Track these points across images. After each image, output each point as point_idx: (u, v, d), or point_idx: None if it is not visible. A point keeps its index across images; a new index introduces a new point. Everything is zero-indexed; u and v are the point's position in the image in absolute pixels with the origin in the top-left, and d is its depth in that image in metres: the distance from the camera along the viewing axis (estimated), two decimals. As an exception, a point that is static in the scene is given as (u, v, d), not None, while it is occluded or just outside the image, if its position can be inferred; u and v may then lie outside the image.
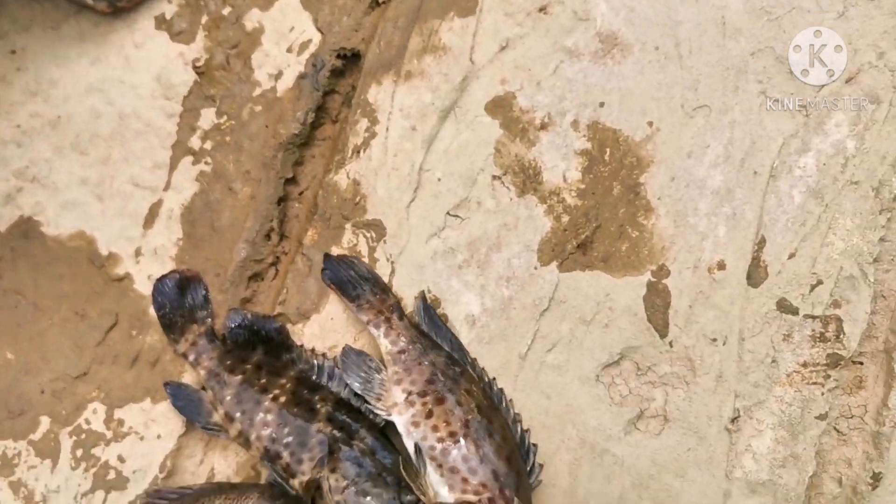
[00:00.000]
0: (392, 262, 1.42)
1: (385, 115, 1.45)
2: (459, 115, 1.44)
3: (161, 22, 1.48)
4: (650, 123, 1.40)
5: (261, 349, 1.38)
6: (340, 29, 1.48)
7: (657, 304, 1.37)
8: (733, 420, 1.34)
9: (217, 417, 1.34)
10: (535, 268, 1.39)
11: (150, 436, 1.39)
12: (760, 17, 1.39)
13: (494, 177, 1.42)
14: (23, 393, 1.40)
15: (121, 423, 1.39)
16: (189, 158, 1.46)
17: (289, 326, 1.42)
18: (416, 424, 1.27)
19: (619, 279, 1.38)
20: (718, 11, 1.40)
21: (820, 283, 1.34)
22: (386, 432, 1.33)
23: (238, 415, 1.32)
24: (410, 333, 1.35)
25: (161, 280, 1.42)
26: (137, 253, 1.44)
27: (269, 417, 1.30)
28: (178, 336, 1.40)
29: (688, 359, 1.35)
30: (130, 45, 1.47)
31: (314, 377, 1.36)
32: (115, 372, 1.41)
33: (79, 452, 1.38)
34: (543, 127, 1.42)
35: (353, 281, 1.38)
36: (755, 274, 1.36)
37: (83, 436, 1.39)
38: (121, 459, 1.38)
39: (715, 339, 1.35)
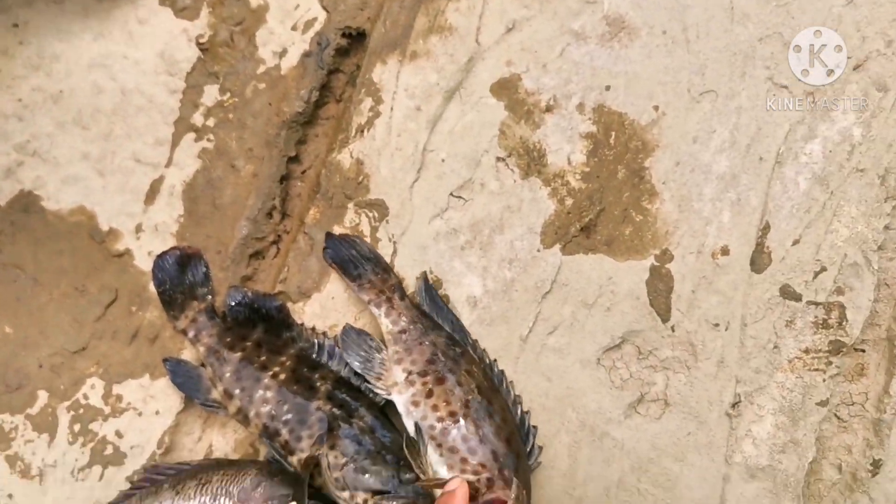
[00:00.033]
0: (394, 242, 1.41)
1: (389, 95, 1.44)
2: (464, 96, 1.43)
3: (165, -3, 1.48)
4: (656, 107, 1.40)
5: (261, 327, 1.37)
6: (346, 7, 1.47)
7: (660, 289, 1.36)
8: (734, 405, 1.34)
9: (216, 394, 1.34)
10: (538, 250, 1.39)
11: (148, 412, 1.39)
12: (769, 2, 1.39)
13: (498, 158, 1.41)
14: (21, 367, 1.39)
15: (119, 398, 1.39)
16: (191, 135, 1.45)
17: (289, 305, 1.41)
18: (416, 404, 1.27)
19: (622, 263, 1.37)
20: (726, -4, 1.40)
21: (824, 269, 1.34)
22: (385, 411, 1.33)
23: (237, 392, 1.31)
24: (411, 314, 1.35)
25: (161, 256, 1.41)
26: (138, 229, 1.43)
27: (269, 395, 1.30)
28: (177, 313, 1.39)
29: (689, 343, 1.35)
30: (134, 20, 1.46)
31: (314, 355, 1.36)
32: (114, 347, 1.40)
33: (76, 427, 1.38)
34: (549, 109, 1.42)
35: (354, 260, 1.38)
36: (759, 260, 1.35)
37: (81, 411, 1.38)
38: (119, 435, 1.38)
39: (717, 325, 1.35)
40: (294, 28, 1.47)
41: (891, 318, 1.34)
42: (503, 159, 1.41)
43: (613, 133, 1.40)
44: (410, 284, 1.40)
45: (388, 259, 1.40)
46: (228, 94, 1.46)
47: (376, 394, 1.30)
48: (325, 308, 1.42)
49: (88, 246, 1.42)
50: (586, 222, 1.38)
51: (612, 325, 1.37)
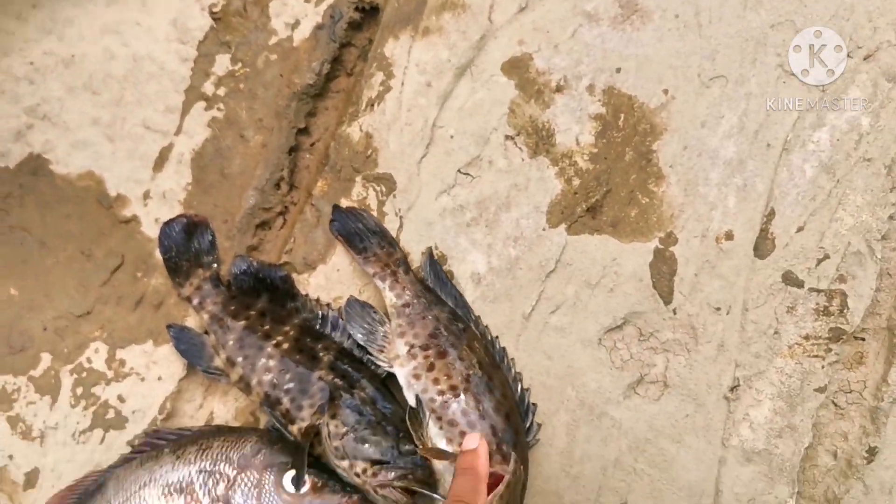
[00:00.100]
0: (400, 217, 1.42)
1: (401, 70, 1.45)
2: (475, 73, 1.43)
3: (180, -35, 1.48)
4: (666, 91, 1.40)
5: (265, 296, 1.38)
6: (360, -18, 1.48)
7: (663, 271, 1.37)
8: (732, 389, 1.35)
9: (219, 362, 1.34)
10: (544, 229, 1.39)
11: (150, 377, 1.40)
12: (782, -11, 1.39)
13: (507, 137, 1.42)
14: (25, 329, 1.40)
15: (122, 363, 1.40)
16: (202, 104, 1.46)
17: (294, 276, 1.42)
18: (417, 377, 1.28)
19: (626, 244, 1.38)
20: (740, -18, 1.41)
21: (827, 257, 1.35)
22: (387, 384, 1.34)
23: (240, 360, 1.32)
24: (416, 288, 1.35)
25: (168, 224, 1.42)
26: (146, 196, 1.44)
27: (271, 363, 1.31)
28: (182, 280, 1.40)
29: (690, 326, 1.36)
30: (148, -13, 1.47)
31: (318, 326, 1.36)
32: (118, 313, 1.41)
33: (79, 390, 1.38)
34: (559, 90, 1.42)
35: (360, 233, 1.39)
36: (762, 245, 1.36)
37: (84, 374, 1.39)
38: (121, 399, 1.39)
39: (719, 309, 1.36)
40: (307, 0, 1.47)
41: (892, 308, 1.35)
42: (512, 138, 1.42)
43: (622, 115, 1.40)
44: (416, 259, 1.41)
45: (394, 233, 1.41)
46: (240, 64, 1.47)
47: (378, 366, 1.31)
48: (330, 280, 1.43)
49: (96, 211, 1.43)
50: (592, 203, 1.39)
51: (615, 306, 1.37)
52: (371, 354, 1.31)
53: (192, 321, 1.41)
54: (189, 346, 1.36)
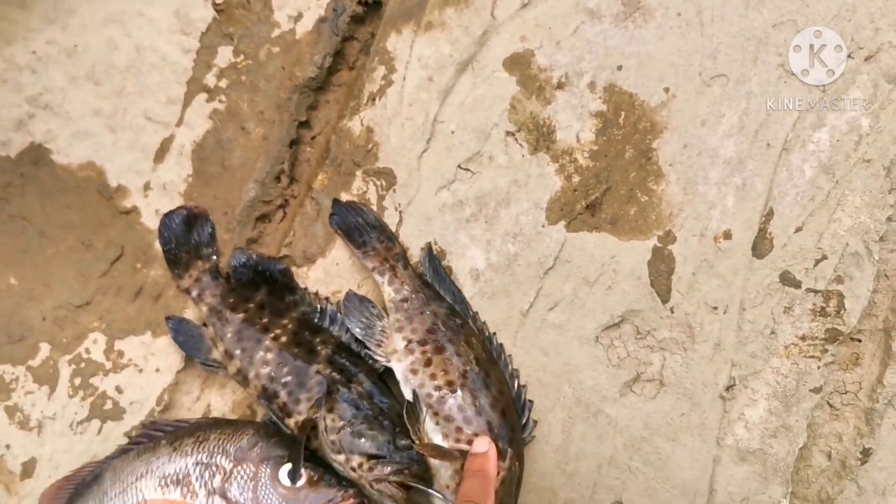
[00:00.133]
0: (400, 212, 1.42)
1: (403, 65, 1.45)
2: (477, 69, 1.43)
3: (183, -43, 1.48)
4: (667, 89, 1.40)
5: (264, 289, 1.38)
6: (363, -25, 1.48)
7: (661, 270, 1.37)
8: (728, 388, 1.35)
9: (217, 354, 1.35)
10: (543, 226, 1.40)
11: (148, 369, 1.40)
12: (784, -11, 1.39)
13: (508, 133, 1.42)
14: (24, 319, 1.40)
15: (121, 354, 1.40)
16: (203, 95, 1.46)
17: (293, 269, 1.42)
18: (414, 372, 1.28)
19: (625, 242, 1.38)
20: (743, -18, 1.40)
21: (825, 258, 1.35)
22: (384, 378, 1.34)
23: (238, 352, 1.32)
24: (414, 283, 1.36)
25: (168, 215, 1.42)
26: (146, 187, 1.44)
27: (269, 356, 1.31)
28: (182, 272, 1.40)
29: (687, 325, 1.36)
30: (151, -22, 1.47)
31: (316, 320, 1.37)
32: (117, 303, 1.41)
33: (77, 381, 1.39)
34: (560, 86, 1.42)
35: (360, 227, 1.39)
36: (761, 245, 1.36)
37: (82, 365, 1.39)
38: (118, 390, 1.39)
39: (716, 308, 1.36)
40: (310, -7, 1.48)
41: (888, 309, 1.35)
42: (512, 134, 1.42)
43: (623, 113, 1.41)
44: (415, 254, 1.41)
45: (393, 228, 1.41)
46: (242, 56, 1.47)
47: (376, 360, 1.32)
48: (329, 273, 1.43)
49: (96, 201, 1.43)
50: (592, 200, 1.39)
51: (613, 304, 1.38)
52: (369, 349, 1.32)
53: (190, 313, 1.41)
54: (187, 338, 1.36)
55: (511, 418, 1.28)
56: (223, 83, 1.46)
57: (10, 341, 1.39)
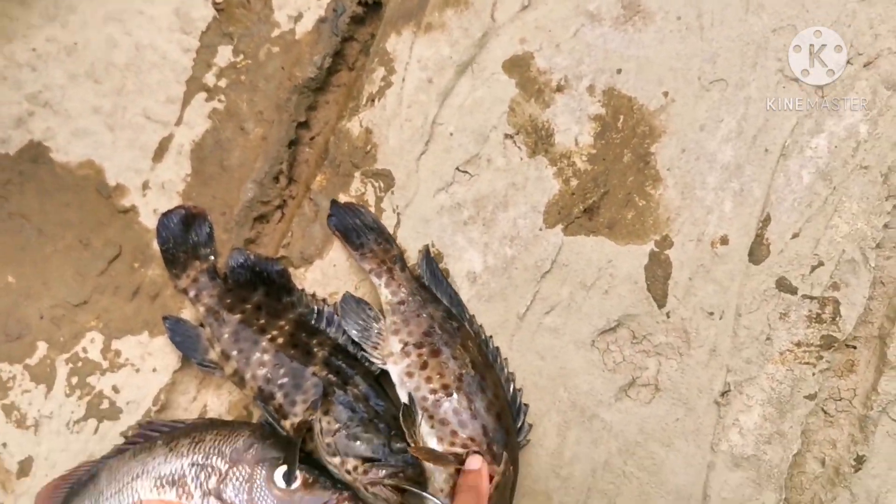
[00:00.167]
0: (398, 214, 1.42)
1: (402, 66, 1.45)
2: (476, 71, 1.43)
3: (183, -45, 1.47)
4: (666, 94, 1.40)
5: (261, 290, 1.38)
6: (363, -24, 1.48)
7: (658, 275, 1.37)
8: (723, 394, 1.35)
9: (213, 355, 1.35)
10: (540, 229, 1.40)
11: (145, 368, 1.40)
12: (785, -6, 1.39)
13: (507, 135, 1.42)
14: (22, 317, 1.40)
15: (118, 353, 1.40)
16: (203, 95, 1.46)
17: (291, 270, 1.42)
18: (410, 375, 1.28)
19: (622, 247, 1.38)
20: (743, -14, 1.40)
21: (821, 264, 1.35)
22: (380, 381, 1.34)
23: (234, 353, 1.33)
24: (411, 285, 1.36)
25: (166, 215, 1.42)
26: (145, 186, 1.44)
27: (266, 358, 1.31)
28: (179, 271, 1.40)
29: (683, 330, 1.36)
30: (151, -24, 1.47)
31: (313, 321, 1.37)
32: (115, 303, 1.42)
33: (74, 380, 1.39)
34: (559, 89, 1.42)
35: (358, 229, 1.39)
36: (757, 251, 1.36)
37: (79, 364, 1.39)
38: (115, 390, 1.39)
39: (712, 313, 1.36)
40: (310, -6, 1.47)
41: (884, 317, 1.36)
42: (511, 136, 1.42)
43: (622, 117, 1.40)
44: (412, 256, 1.41)
45: (391, 230, 1.41)
46: (242, 56, 1.46)
47: (372, 363, 1.32)
48: (326, 275, 1.43)
49: (95, 200, 1.43)
50: (590, 204, 1.39)
51: (609, 308, 1.38)
52: (365, 351, 1.32)
53: (188, 313, 1.41)
54: (184, 339, 1.36)
55: (506, 422, 1.28)
56: (223, 83, 1.46)
57: (8, 339, 1.39)
